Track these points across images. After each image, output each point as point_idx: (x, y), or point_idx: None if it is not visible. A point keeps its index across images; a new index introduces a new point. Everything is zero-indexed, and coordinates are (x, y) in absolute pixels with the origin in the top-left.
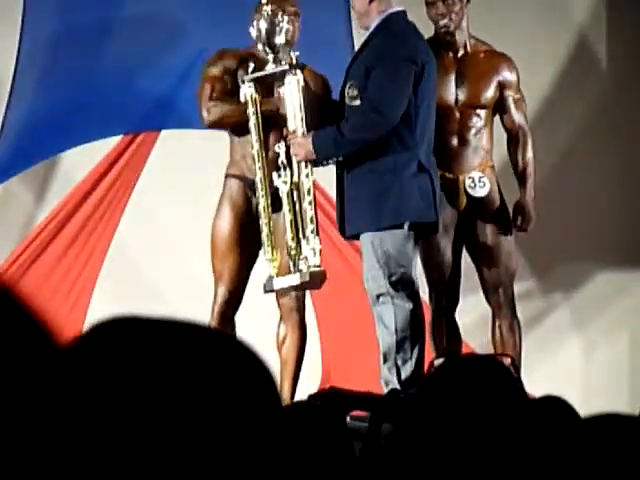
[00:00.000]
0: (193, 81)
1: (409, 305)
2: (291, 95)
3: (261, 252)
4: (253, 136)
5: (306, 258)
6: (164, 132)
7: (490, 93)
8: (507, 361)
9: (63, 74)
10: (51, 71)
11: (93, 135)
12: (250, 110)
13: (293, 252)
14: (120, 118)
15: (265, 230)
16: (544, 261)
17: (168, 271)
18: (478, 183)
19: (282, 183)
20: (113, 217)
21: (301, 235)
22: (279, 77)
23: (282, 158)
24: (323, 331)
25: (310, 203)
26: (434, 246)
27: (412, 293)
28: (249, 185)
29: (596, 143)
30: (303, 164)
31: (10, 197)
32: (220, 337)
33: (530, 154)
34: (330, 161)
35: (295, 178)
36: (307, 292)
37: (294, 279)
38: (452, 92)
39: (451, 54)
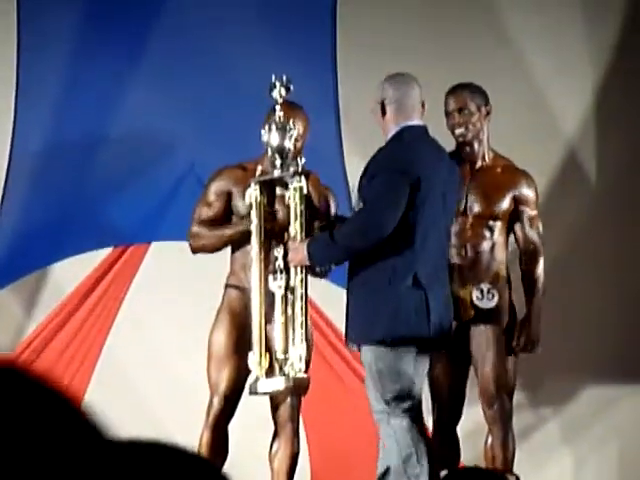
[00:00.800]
0: (184, 194)
1: (405, 421)
2: (294, 201)
3: (250, 354)
4: (254, 237)
5: (292, 363)
6: (154, 244)
7: (504, 206)
8: (512, 479)
9: (53, 186)
10: (41, 183)
11: (83, 247)
12: (253, 212)
13: (280, 356)
14: (110, 230)
15: (256, 332)
16: (533, 374)
17: (157, 383)
18: (487, 295)
19: (277, 287)
20: (103, 328)
21: (290, 340)
22: (284, 182)
23: (279, 262)
24: (312, 441)
25: (302, 309)
26: (435, 360)
27: (410, 407)
28: (248, 296)
29: (589, 256)
30: (299, 269)
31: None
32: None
33: (540, 272)
34: (325, 268)
35: (290, 283)
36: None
37: (279, 383)
38: (464, 202)
39: (468, 165)
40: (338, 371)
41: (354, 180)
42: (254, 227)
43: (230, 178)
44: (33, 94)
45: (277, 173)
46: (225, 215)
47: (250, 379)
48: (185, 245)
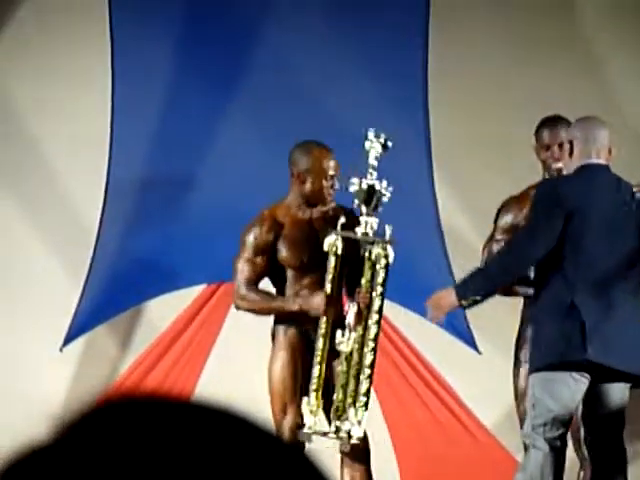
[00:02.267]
0: None
1: (546, 449)
2: (376, 267)
3: (304, 400)
4: (328, 287)
5: (350, 428)
6: None
7: None
8: None
9: (148, 223)
10: (136, 219)
11: (177, 284)
12: (331, 263)
13: (339, 413)
14: (203, 267)
15: (316, 381)
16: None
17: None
18: None
19: (344, 344)
20: (196, 366)
21: (349, 401)
22: (364, 243)
23: (349, 319)
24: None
25: (368, 377)
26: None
27: (558, 437)
28: (306, 333)
29: None
30: (372, 339)
31: (94, 346)
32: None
33: None
34: (475, 300)
35: (357, 346)
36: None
37: (332, 442)
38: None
39: None
40: (431, 407)
41: (445, 214)
42: (329, 278)
43: (268, 227)
44: (129, 128)
45: (361, 234)
46: (269, 267)
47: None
48: None
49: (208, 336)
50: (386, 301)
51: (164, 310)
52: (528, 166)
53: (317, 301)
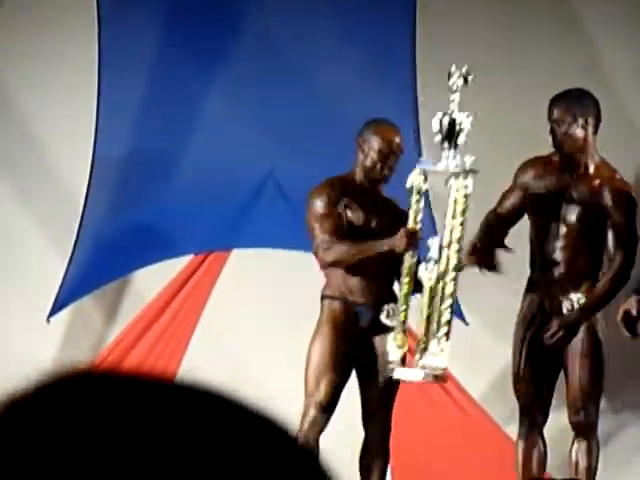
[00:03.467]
0: (263, 200)
1: None
2: (458, 199)
3: (390, 336)
4: (410, 222)
5: (432, 358)
6: (235, 251)
7: (594, 215)
8: None
9: (134, 195)
10: (122, 192)
11: (164, 255)
12: (414, 198)
13: (422, 346)
14: (190, 237)
15: (402, 315)
16: (613, 380)
17: (239, 391)
18: (577, 305)
19: (427, 277)
20: (184, 336)
21: (432, 334)
22: (446, 176)
23: (433, 253)
24: (393, 450)
25: (448, 307)
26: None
27: None
28: (350, 307)
29: None
30: (453, 269)
31: (81, 316)
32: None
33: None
34: None
35: (441, 277)
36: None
37: (417, 376)
38: (562, 210)
39: (569, 175)
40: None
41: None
42: (411, 211)
43: (338, 188)
44: (114, 105)
45: (443, 166)
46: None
47: (389, 361)
48: (265, 252)
49: (196, 307)
50: None
51: (151, 280)
52: (515, 144)
53: (401, 237)
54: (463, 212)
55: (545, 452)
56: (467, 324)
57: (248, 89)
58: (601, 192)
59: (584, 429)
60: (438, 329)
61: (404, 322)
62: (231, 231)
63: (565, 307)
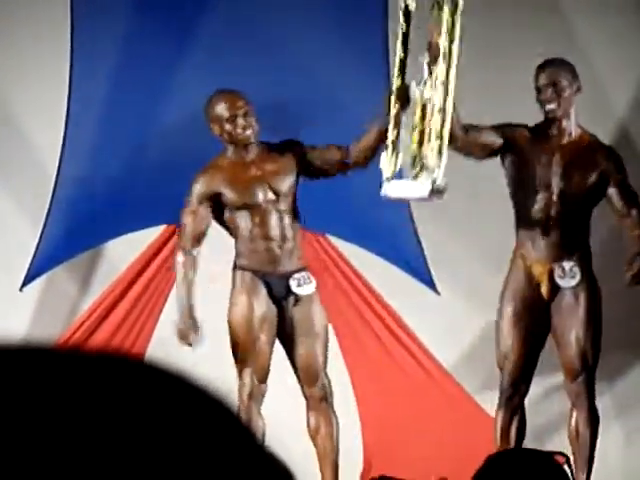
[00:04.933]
0: None
1: None
2: (445, 20)
3: (382, 155)
4: (398, 44)
5: (432, 171)
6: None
7: (589, 182)
8: (561, 460)
9: (106, 166)
10: (94, 163)
11: (136, 225)
12: (402, 19)
13: (418, 164)
14: (163, 208)
15: (392, 134)
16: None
17: (207, 359)
18: (569, 273)
19: (419, 92)
20: (156, 306)
21: (426, 145)
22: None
23: (424, 71)
24: (364, 419)
25: (441, 121)
26: (507, 333)
27: None
28: (261, 278)
29: None
30: (444, 81)
31: (54, 286)
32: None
33: None
34: None
35: (431, 95)
36: (350, 382)
37: (414, 190)
38: (550, 177)
39: (555, 140)
40: (388, 347)
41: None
42: (399, 32)
43: (210, 178)
44: (88, 74)
45: None
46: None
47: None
48: None
49: (167, 276)
50: (344, 242)
51: (124, 251)
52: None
53: None
54: (452, 28)
55: (524, 421)
56: (439, 294)
57: (218, 64)
58: (594, 155)
59: (583, 397)
60: (431, 141)
61: (396, 141)
62: None
63: (557, 274)
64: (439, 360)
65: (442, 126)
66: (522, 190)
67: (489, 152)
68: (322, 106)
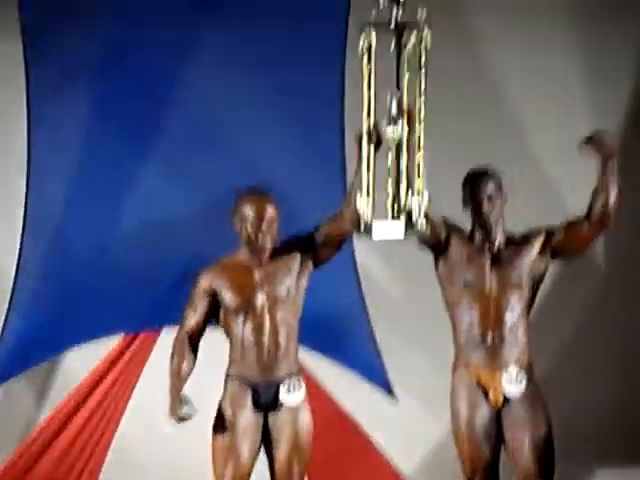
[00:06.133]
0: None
1: None
2: (416, 51)
3: (357, 197)
4: (364, 83)
5: (410, 210)
6: (165, 329)
7: (525, 273)
8: None
9: (63, 274)
10: (52, 271)
11: (94, 334)
12: (365, 58)
13: (398, 203)
14: (120, 317)
15: (365, 174)
16: None
17: (169, 467)
18: (516, 379)
19: (392, 137)
20: (114, 417)
21: (406, 189)
22: (399, 31)
23: (393, 112)
24: None
25: (420, 159)
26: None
27: None
28: (250, 386)
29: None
30: (416, 120)
31: (10, 398)
32: None
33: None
34: None
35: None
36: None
37: (397, 228)
38: (487, 284)
39: (487, 246)
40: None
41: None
42: (365, 73)
43: (214, 275)
44: (45, 179)
45: (392, 20)
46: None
47: (362, 223)
48: None
49: (126, 386)
50: (305, 349)
51: (82, 361)
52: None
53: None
54: (424, 65)
55: None
56: (395, 398)
57: (184, 166)
58: (529, 239)
59: None
60: (411, 184)
61: (368, 182)
62: (161, 310)
63: (505, 380)
64: (400, 466)
65: (419, 163)
66: (458, 296)
67: (431, 243)
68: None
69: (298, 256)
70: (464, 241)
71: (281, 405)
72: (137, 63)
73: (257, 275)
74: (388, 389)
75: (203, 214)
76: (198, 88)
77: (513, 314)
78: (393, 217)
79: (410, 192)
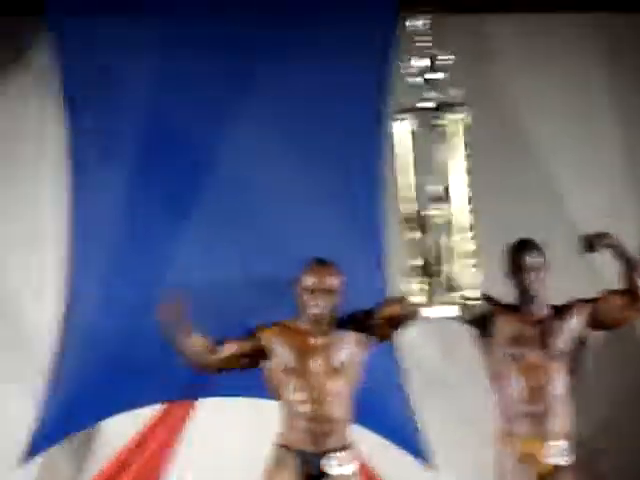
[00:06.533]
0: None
1: None
2: (455, 134)
3: (404, 283)
4: (398, 169)
5: (462, 289)
6: (201, 400)
7: (568, 344)
8: None
9: (103, 345)
10: (93, 341)
11: (131, 404)
12: (399, 145)
13: (450, 284)
14: (159, 386)
15: (415, 260)
16: None
17: None
18: (561, 451)
19: (438, 216)
20: None
21: (459, 266)
22: (435, 115)
23: (440, 192)
24: None
25: (472, 238)
26: None
27: None
28: (298, 455)
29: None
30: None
31: (52, 465)
32: None
33: None
34: None
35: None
36: None
37: (450, 309)
38: (533, 352)
39: (531, 317)
40: None
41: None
42: (409, 158)
43: (273, 332)
44: (89, 251)
45: (430, 104)
46: (249, 357)
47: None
48: (231, 401)
49: (162, 456)
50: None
51: (120, 430)
52: None
53: None
54: (466, 146)
55: None
56: (436, 470)
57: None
58: (569, 309)
59: None
60: (465, 263)
61: (419, 266)
62: (198, 381)
63: (550, 451)
64: None
65: (471, 243)
66: (503, 368)
67: (475, 319)
68: None
69: (358, 329)
70: (507, 313)
71: (329, 477)
72: (176, 128)
73: (314, 342)
74: (426, 459)
75: (245, 283)
76: (236, 152)
77: (558, 384)
78: (444, 299)
79: (463, 271)
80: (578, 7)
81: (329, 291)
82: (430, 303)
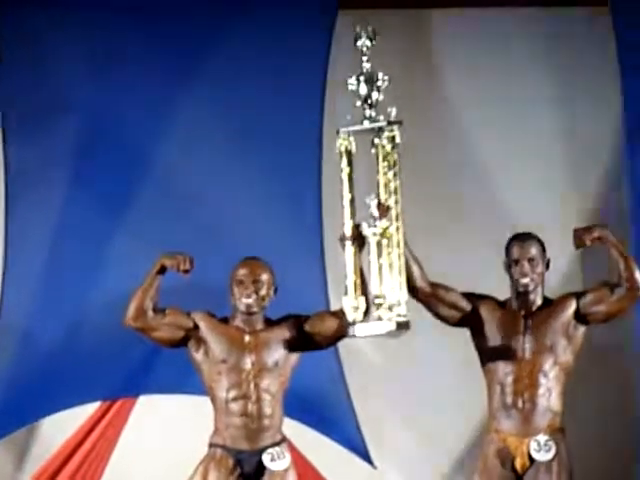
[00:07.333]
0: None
1: None
2: (385, 150)
3: (344, 298)
4: (345, 185)
5: (391, 307)
6: (142, 397)
7: (561, 341)
8: None
9: (42, 341)
10: (30, 338)
11: (71, 402)
12: (344, 161)
13: (378, 300)
14: (98, 384)
15: (350, 277)
16: None
17: None
18: (544, 447)
19: (372, 234)
20: None
21: (388, 285)
22: (373, 133)
23: (372, 210)
24: None
25: (399, 255)
26: None
27: None
28: (232, 455)
29: None
30: (395, 218)
31: None
32: None
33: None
34: None
35: (388, 230)
36: None
37: (379, 327)
38: (520, 349)
39: (523, 312)
40: None
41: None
42: (344, 175)
43: (209, 323)
44: (23, 247)
45: (367, 123)
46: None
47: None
48: (173, 398)
49: (103, 453)
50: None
51: (59, 428)
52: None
53: None
54: (394, 164)
55: None
56: (375, 467)
57: (152, 226)
58: (566, 304)
59: None
60: (392, 280)
61: (355, 285)
62: (138, 379)
63: (532, 448)
64: None
65: (399, 260)
66: (493, 362)
67: (459, 317)
68: None
69: (293, 332)
70: (495, 306)
71: (265, 474)
72: (116, 139)
73: (247, 339)
74: (368, 459)
75: (179, 284)
76: (176, 162)
77: (547, 379)
78: (379, 314)
79: (394, 287)
80: (514, 2)
81: (258, 282)
82: (364, 320)
